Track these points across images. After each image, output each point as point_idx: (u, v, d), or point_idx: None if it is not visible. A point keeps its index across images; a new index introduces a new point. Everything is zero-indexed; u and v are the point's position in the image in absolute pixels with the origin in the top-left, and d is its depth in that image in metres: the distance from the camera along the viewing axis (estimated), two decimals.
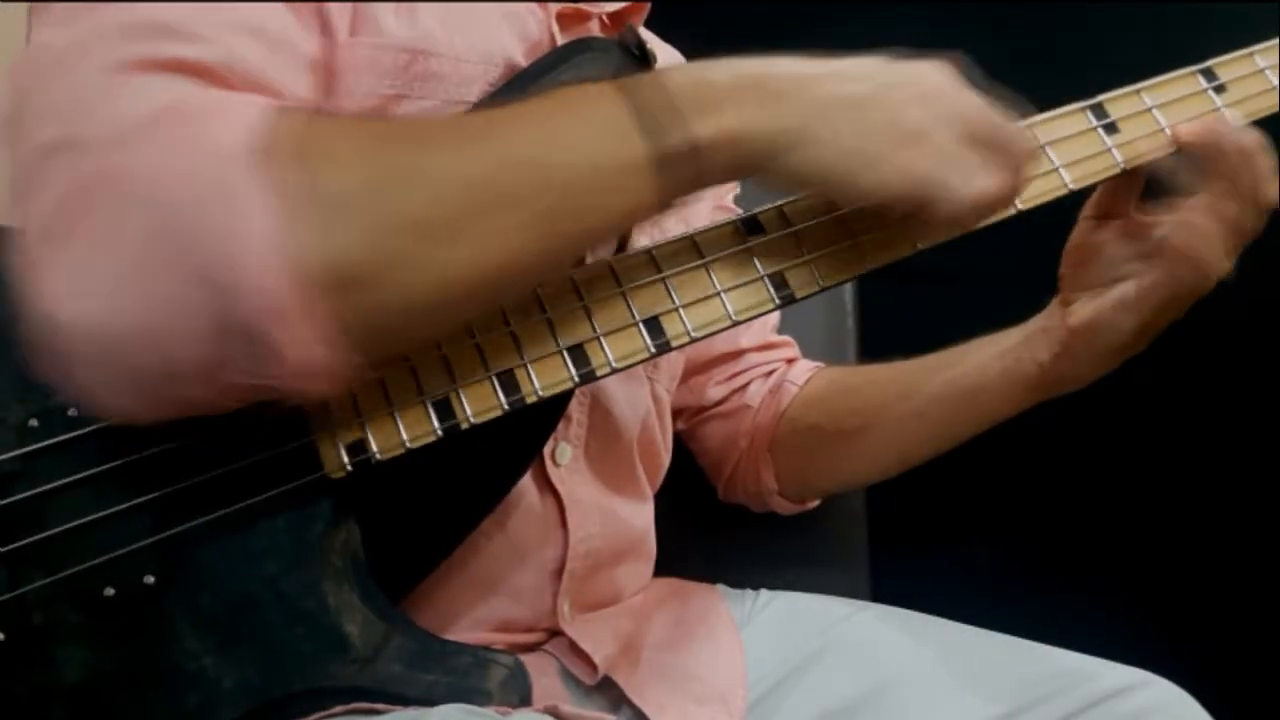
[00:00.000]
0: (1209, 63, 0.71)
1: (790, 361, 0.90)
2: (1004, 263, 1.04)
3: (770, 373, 0.89)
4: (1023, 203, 0.66)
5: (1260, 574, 1.28)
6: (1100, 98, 0.69)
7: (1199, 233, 0.66)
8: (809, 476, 0.87)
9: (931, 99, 0.55)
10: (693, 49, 0.87)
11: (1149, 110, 0.70)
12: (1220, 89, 0.71)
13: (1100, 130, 0.69)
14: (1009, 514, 1.32)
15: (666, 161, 0.52)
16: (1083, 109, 0.69)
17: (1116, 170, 0.68)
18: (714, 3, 1.18)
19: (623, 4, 0.73)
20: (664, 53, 0.87)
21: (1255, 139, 0.66)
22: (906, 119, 0.54)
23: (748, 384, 0.89)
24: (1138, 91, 0.70)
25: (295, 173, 0.45)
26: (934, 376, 0.78)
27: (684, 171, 0.52)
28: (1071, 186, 0.67)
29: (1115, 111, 0.69)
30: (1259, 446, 1.29)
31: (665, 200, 0.53)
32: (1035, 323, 0.74)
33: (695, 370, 0.87)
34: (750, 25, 1.21)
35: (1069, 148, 0.68)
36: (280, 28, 0.54)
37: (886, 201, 0.55)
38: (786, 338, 0.93)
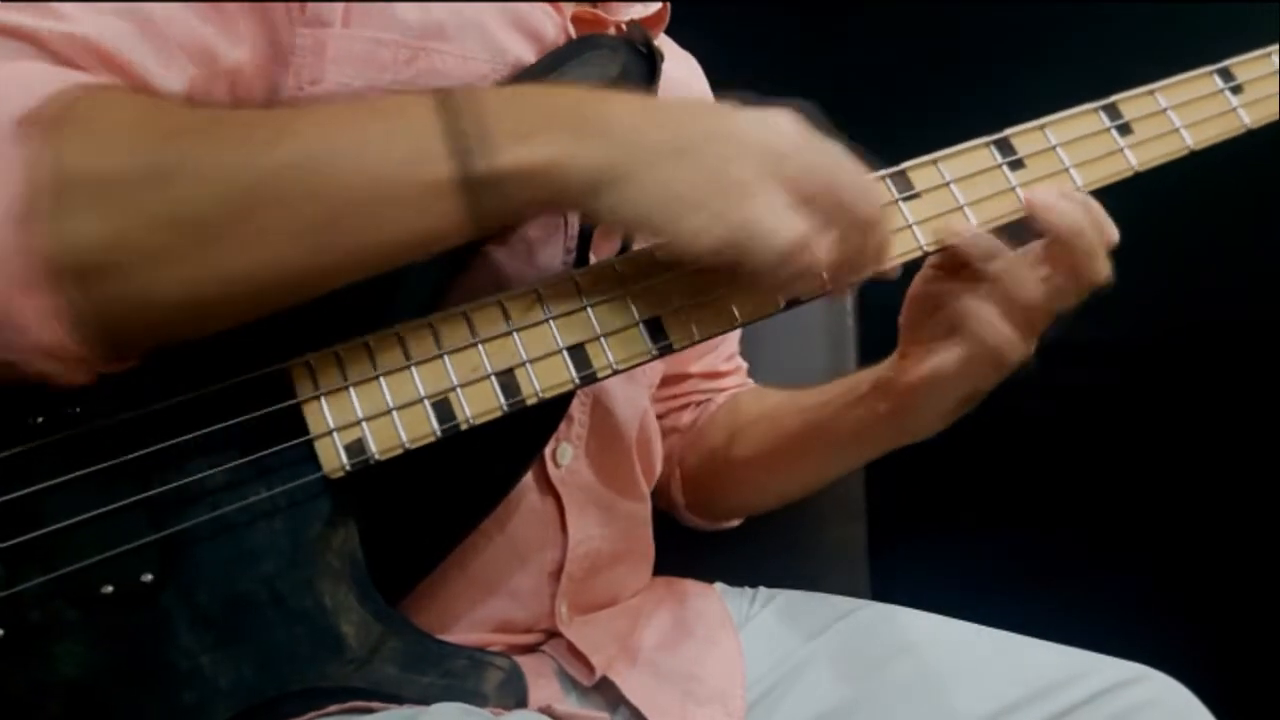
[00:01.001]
0: (1226, 63, 0.70)
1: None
2: None
3: (706, 401, 0.89)
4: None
5: (1257, 567, 1.27)
6: (1114, 98, 0.68)
7: (1000, 324, 0.62)
8: (709, 497, 0.87)
9: (762, 151, 0.52)
10: (711, 58, 0.87)
11: (1163, 111, 0.68)
12: (1237, 89, 0.70)
13: (1114, 131, 0.68)
14: (1009, 510, 1.31)
15: (473, 186, 0.50)
16: (1095, 109, 0.68)
17: (1130, 173, 0.67)
18: (731, 12, 1.17)
19: (643, 14, 0.72)
20: (683, 62, 0.86)
21: (1079, 218, 0.62)
22: (731, 170, 0.52)
23: (684, 407, 0.89)
24: (1152, 92, 0.69)
25: (57, 152, 0.46)
26: (801, 419, 0.77)
27: (493, 198, 0.51)
28: (1082, 187, 0.66)
29: (1129, 112, 0.68)
30: (1257, 442, 1.28)
31: (478, 225, 0.52)
32: (879, 372, 0.72)
33: None
34: (766, 33, 1.21)
35: (1081, 148, 0.67)
36: (168, 16, 0.53)
37: (703, 251, 0.52)
38: (738, 364, 0.92)
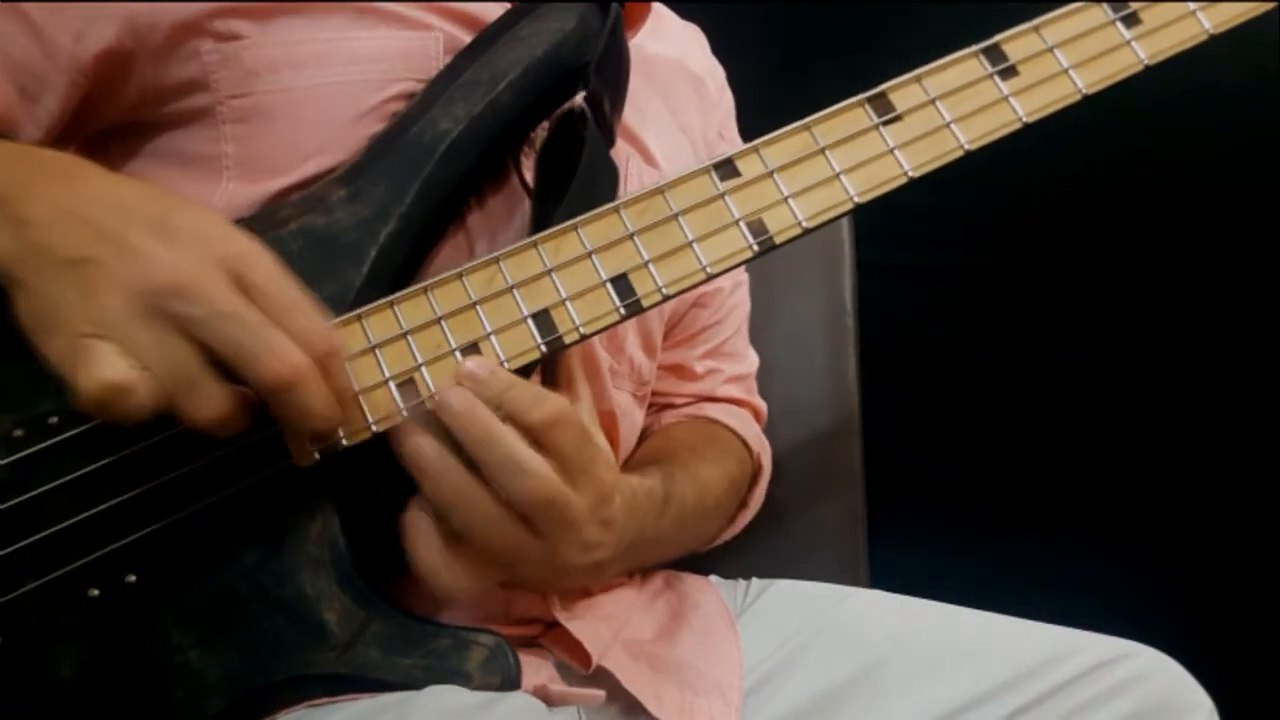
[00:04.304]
0: None
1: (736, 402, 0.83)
2: (1004, 262, 0.98)
3: (665, 407, 0.82)
4: (1029, 115, 0.60)
5: (1247, 546, 1.24)
6: None
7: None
8: None
9: (150, 281, 0.46)
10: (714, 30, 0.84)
11: None
12: None
13: (1119, 24, 0.62)
14: (1006, 499, 1.27)
15: None
16: (1096, 1, 0.62)
17: (1139, 67, 0.61)
18: None
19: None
20: (681, 35, 0.83)
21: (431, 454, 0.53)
22: (101, 293, 0.46)
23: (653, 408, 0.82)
24: None
25: None
26: None
27: None
28: (1085, 90, 0.61)
29: None
30: (1251, 424, 1.23)
31: None
32: None
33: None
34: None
35: (1081, 47, 0.61)
36: None
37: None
38: (711, 368, 0.83)
